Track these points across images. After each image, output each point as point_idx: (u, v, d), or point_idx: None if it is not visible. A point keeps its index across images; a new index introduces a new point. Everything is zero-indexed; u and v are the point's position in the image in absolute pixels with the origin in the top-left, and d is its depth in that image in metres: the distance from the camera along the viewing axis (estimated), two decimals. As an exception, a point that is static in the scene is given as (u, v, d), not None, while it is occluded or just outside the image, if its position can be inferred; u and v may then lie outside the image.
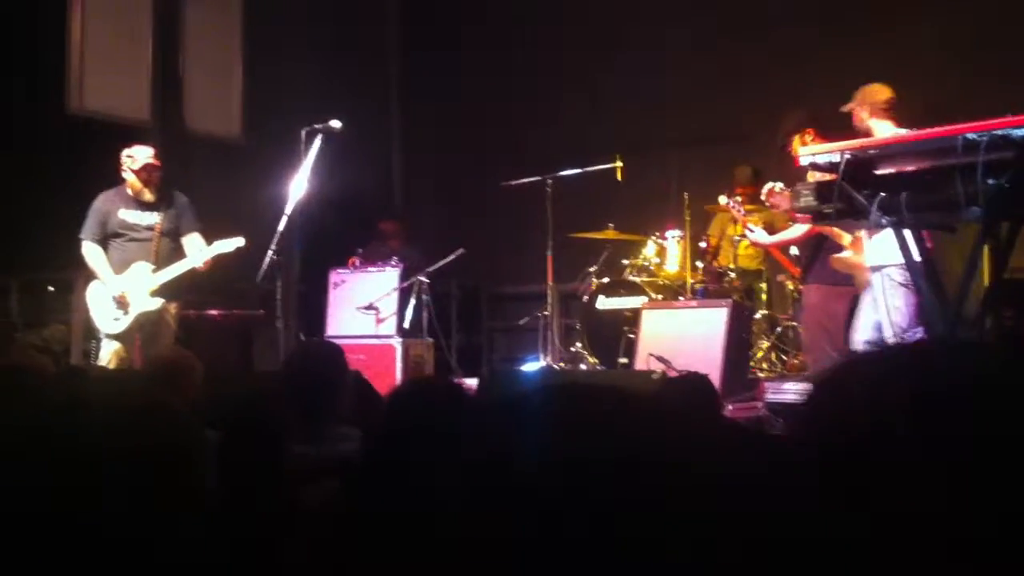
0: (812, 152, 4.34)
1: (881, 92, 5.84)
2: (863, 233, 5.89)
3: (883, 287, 5.58)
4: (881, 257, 5.61)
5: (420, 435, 1.90)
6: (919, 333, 5.46)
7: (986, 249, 3.99)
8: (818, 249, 6.15)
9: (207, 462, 1.36)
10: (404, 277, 7.84)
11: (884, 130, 5.76)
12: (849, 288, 6.07)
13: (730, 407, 6.07)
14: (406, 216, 9.88)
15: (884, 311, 5.53)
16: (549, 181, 7.27)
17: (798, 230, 6.34)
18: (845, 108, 5.92)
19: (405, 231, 9.48)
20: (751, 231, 6.73)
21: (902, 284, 5.47)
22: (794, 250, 6.74)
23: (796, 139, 6.06)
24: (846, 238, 6.77)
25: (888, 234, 5.64)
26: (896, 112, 5.83)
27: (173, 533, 1.23)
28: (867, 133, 5.81)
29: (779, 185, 6.33)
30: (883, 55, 7.78)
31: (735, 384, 6.50)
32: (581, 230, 8.35)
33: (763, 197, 6.43)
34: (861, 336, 5.63)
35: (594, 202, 8.10)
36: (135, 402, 1.36)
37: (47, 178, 7.33)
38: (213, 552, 1.34)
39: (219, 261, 6.36)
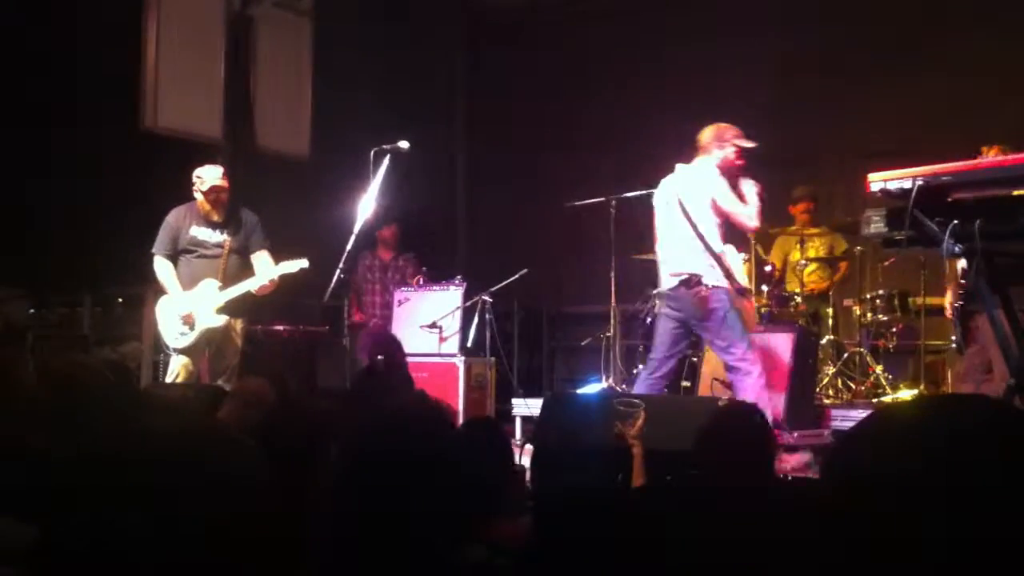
0: (883, 178, 4.26)
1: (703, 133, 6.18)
2: None
3: None
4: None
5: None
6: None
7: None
8: None
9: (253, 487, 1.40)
10: (467, 296, 7.87)
11: (703, 166, 6.11)
12: None
13: (796, 435, 6.00)
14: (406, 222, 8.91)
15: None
16: (613, 202, 7.26)
17: None
18: None
19: (400, 239, 8.84)
20: None
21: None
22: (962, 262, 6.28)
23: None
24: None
25: None
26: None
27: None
28: None
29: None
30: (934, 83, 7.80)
31: (800, 410, 6.42)
32: (645, 251, 8.30)
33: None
34: None
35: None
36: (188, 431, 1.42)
37: (121, 194, 7.46)
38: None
39: (284, 280, 6.43)
